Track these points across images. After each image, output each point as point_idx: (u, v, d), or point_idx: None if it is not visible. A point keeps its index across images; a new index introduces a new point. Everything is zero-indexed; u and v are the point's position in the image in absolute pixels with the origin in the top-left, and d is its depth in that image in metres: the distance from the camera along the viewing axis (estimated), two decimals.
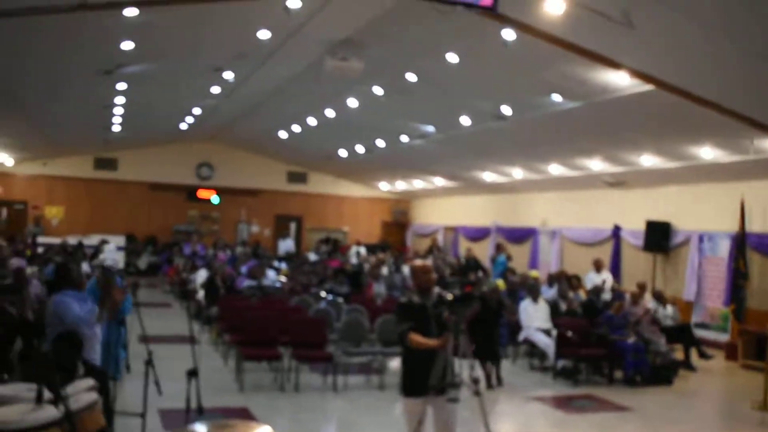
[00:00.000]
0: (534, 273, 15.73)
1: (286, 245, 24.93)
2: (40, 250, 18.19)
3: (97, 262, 10.97)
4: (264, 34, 11.15)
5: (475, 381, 5.40)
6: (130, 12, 8.84)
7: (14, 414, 3.62)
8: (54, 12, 7.66)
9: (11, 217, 25.11)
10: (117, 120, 18.86)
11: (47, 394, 3.77)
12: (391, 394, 9.76)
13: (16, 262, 10.83)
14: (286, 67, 13.73)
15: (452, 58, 11.12)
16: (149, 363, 6.16)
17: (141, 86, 14.39)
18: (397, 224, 29.18)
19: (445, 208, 26.25)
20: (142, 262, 24.08)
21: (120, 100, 15.73)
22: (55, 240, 20.14)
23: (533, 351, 11.94)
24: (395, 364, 11.37)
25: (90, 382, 4.52)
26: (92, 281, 7.39)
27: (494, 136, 15.37)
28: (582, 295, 13.94)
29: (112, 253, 16.68)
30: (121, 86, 14.10)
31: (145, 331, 6.62)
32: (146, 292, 17.27)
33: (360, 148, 21.04)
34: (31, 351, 6.48)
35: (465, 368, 5.65)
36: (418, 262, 6.10)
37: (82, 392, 4.05)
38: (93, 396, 4.02)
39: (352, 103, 15.47)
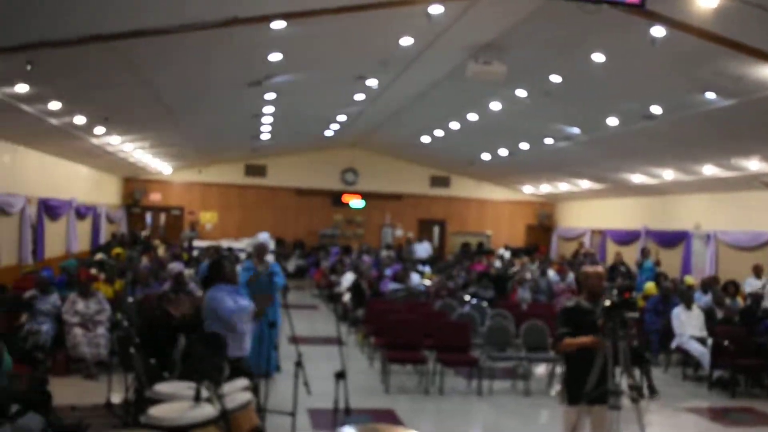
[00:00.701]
0: (689, 279, 15.09)
1: (423, 249, 25.06)
2: (195, 253, 19.12)
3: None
4: (406, 41, 11.26)
5: (633, 388, 5.24)
6: (278, 25, 9.15)
7: (174, 411, 3.83)
8: (207, 27, 8.03)
9: (169, 222, 26.61)
10: (266, 128, 19.57)
11: (205, 393, 3.97)
12: (536, 399, 9.63)
13: (175, 266, 11.43)
14: (428, 73, 13.82)
15: (598, 57, 10.84)
16: (299, 364, 6.33)
17: (288, 95, 14.86)
18: (541, 227, 28.71)
19: (591, 211, 25.57)
20: (290, 265, 24.82)
21: (268, 109, 16.30)
22: (205, 243, 21.13)
23: (687, 360, 11.43)
24: (541, 369, 11.22)
25: (245, 381, 4.72)
26: (243, 277, 7.69)
27: (643, 136, 14.85)
28: (740, 301, 13.23)
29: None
30: (270, 96, 14.61)
31: (294, 332, 6.85)
32: (294, 294, 17.78)
33: (503, 151, 20.86)
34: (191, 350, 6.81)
35: (623, 376, 5.48)
36: (590, 268, 5.99)
37: (237, 391, 4.23)
38: (248, 396, 4.19)
39: (495, 106, 15.36)
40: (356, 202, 27.58)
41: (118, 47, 8.75)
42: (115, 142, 16.88)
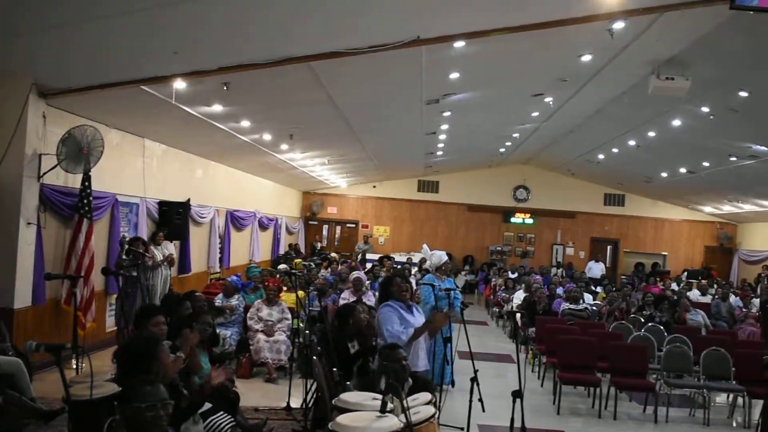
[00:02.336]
0: None
1: (598, 268, 24.48)
2: (368, 265, 19.64)
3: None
4: (586, 57, 11.13)
5: None
6: (459, 44, 9.31)
7: (362, 420, 4.01)
8: (392, 48, 8.30)
9: (344, 234, 27.49)
10: (440, 145, 19.84)
11: (390, 405, 4.14)
12: (716, 429, 9.19)
13: (355, 273, 11.85)
14: (607, 89, 13.55)
15: None
16: (475, 380, 6.40)
17: (463, 113, 15.02)
18: (721, 249, 27.26)
19: None
20: (460, 281, 24.91)
21: (444, 127, 16.53)
22: (377, 257, 21.61)
23: None
24: (721, 398, 10.69)
25: (428, 396, 4.86)
26: (425, 291, 7.83)
27: None
28: None
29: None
30: (446, 114, 14.82)
31: (469, 348, 6.93)
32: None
33: (682, 169, 20.04)
34: (367, 363, 7.04)
35: None
36: None
37: (421, 405, 4.37)
38: (432, 410, 4.32)
39: (676, 122, 14.83)
40: (525, 218, 27.38)
41: (307, 68, 9.22)
42: (298, 157, 17.68)
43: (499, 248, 27.08)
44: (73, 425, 3.99)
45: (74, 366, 8.56)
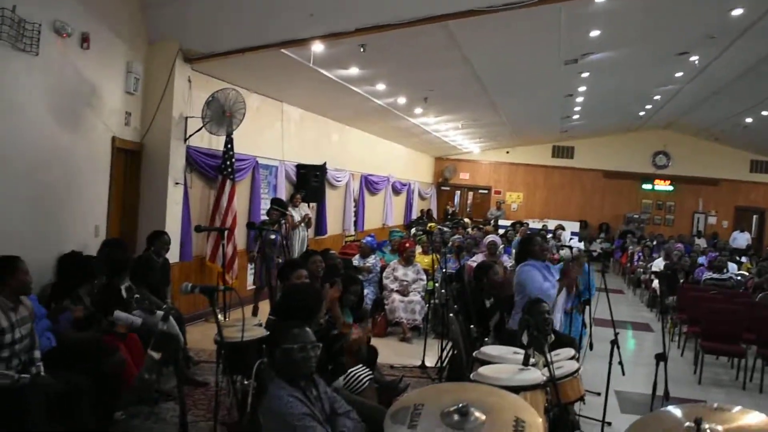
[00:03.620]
0: None
1: (744, 238, 23.31)
2: (500, 232, 19.48)
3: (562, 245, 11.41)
4: (737, 12, 10.51)
5: None
6: None
7: (504, 372, 4.00)
8: (531, 5, 8.09)
9: (476, 200, 27.35)
10: (576, 109, 19.33)
11: (532, 360, 4.10)
12: None
13: (490, 237, 11.78)
14: (759, 46, 12.76)
15: None
16: (615, 342, 6.24)
17: (602, 74, 14.55)
18: None
19: None
20: (594, 248, 24.35)
21: (581, 89, 16.08)
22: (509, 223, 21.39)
23: None
24: None
25: (572, 351, 4.79)
26: (560, 265, 7.70)
27: None
28: None
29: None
30: (584, 75, 14.40)
31: (605, 314, 6.77)
32: (598, 277, 17.48)
33: None
34: (504, 320, 7.01)
35: None
36: None
37: (565, 360, 4.31)
38: (575, 365, 4.26)
39: None
40: (665, 185, 26.35)
41: (443, 28, 9.15)
42: (431, 121, 17.67)
43: (636, 216, 26.21)
44: (225, 366, 4.17)
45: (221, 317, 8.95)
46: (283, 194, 12.60)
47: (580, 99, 17.67)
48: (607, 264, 9.05)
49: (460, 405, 2.88)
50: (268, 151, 12.29)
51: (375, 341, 8.33)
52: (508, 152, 26.71)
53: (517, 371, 4.00)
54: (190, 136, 9.42)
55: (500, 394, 3.24)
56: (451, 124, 18.95)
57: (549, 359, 3.65)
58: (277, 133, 12.63)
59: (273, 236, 10.21)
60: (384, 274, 10.72)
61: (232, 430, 4.66)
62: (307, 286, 5.90)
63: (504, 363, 4.32)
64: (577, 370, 4.23)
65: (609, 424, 6.34)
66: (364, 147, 17.94)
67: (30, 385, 4.89)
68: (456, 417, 2.87)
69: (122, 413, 6.16)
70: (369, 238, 11.76)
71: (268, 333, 4.19)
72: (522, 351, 4.39)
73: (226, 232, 9.66)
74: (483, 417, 2.87)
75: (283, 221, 10.57)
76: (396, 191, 20.98)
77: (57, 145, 7.04)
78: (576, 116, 20.59)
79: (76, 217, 7.50)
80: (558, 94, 16.48)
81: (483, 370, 4.16)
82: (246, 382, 3.82)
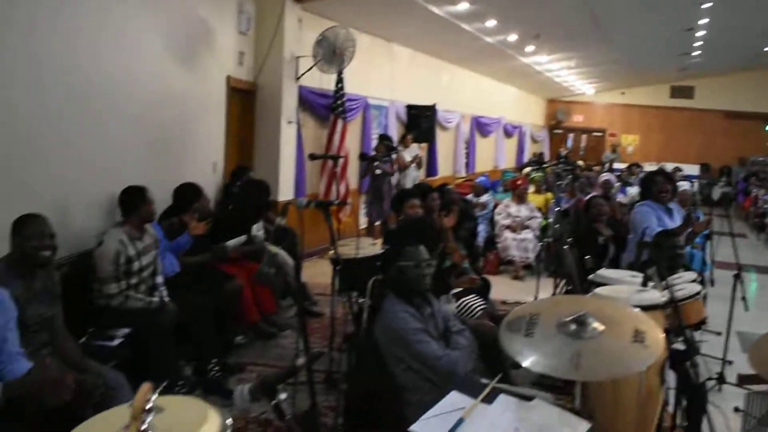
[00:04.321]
0: None
1: None
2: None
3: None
4: None
5: None
6: None
7: (621, 292, 3.91)
8: None
9: (590, 143, 26.65)
10: (697, 44, 18.41)
11: (652, 281, 3.99)
12: None
13: (605, 175, 11.52)
14: None
15: None
16: (737, 277, 6.01)
17: (727, 5, 13.77)
18: None
19: None
20: (715, 193, 23.41)
21: (703, 21, 15.28)
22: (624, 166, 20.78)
23: None
24: None
25: (693, 275, 4.64)
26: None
27: None
28: None
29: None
30: (706, 6, 13.67)
31: (734, 245, 6.52)
32: (719, 222, 16.85)
33: None
34: (618, 255, 6.86)
35: None
36: None
37: (687, 283, 4.18)
38: (697, 287, 4.12)
39: None
40: None
41: None
42: (543, 60, 17.24)
43: (761, 159, 24.94)
44: (340, 282, 4.24)
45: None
46: (393, 135, 12.61)
47: (700, 33, 16.80)
48: (729, 207, 8.66)
49: (578, 314, 2.83)
50: (378, 91, 12.30)
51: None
52: (623, 93, 25.85)
53: (635, 292, 3.91)
54: (302, 75, 9.51)
55: (618, 306, 3.16)
56: (563, 63, 18.44)
57: (669, 282, 3.54)
58: (386, 74, 12.61)
59: (378, 171, 10.26)
60: (496, 211, 10.65)
61: (347, 341, 4.75)
62: (422, 218, 5.92)
63: (623, 284, 4.22)
64: (698, 292, 4.09)
65: (730, 362, 6.14)
66: (475, 88, 17.73)
67: (158, 308, 5.12)
68: (573, 326, 2.81)
69: (243, 337, 6.39)
70: (482, 178, 11.70)
71: (383, 251, 4.23)
72: (640, 274, 4.28)
73: (340, 161, 9.74)
74: (601, 327, 2.81)
75: (392, 156, 10.58)
76: (507, 134, 20.70)
77: (173, 84, 7.23)
78: (696, 53, 19.62)
79: (194, 154, 7.73)
80: (677, 28, 15.72)
81: (601, 290, 4.08)
82: (361, 300, 3.87)
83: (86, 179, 5.73)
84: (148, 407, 1.53)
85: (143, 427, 1.53)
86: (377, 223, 10.72)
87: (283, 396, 1.82)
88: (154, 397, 1.55)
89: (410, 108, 13.26)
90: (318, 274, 8.44)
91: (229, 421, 1.82)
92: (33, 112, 5.06)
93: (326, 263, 8.79)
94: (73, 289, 4.61)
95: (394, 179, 11.14)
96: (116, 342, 4.63)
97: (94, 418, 2.00)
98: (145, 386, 1.54)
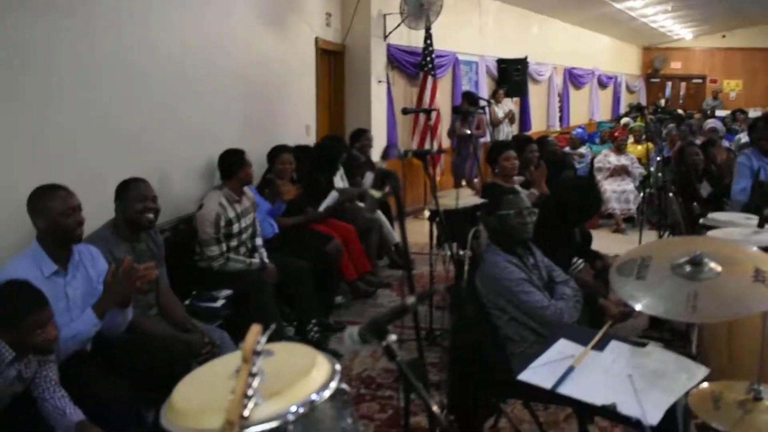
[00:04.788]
0: None
1: None
2: None
3: None
4: None
5: None
6: None
7: (738, 234, 3.74)
8: None
9: (689, 91, 25.62)
10: None
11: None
12: None
13: (710, 121, 11.12)
14: None
15: None
16: None
17: None
18: None
19: None
20: None
21: None
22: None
23: None
24: None
25: None
26: None
27: None
28: None
29: None
30: None
31: None
32: None
33: None
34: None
35: None
36: None
37: None
38: None
39: None
40: None
41: None
42: (637, 5, 16.58)
43: None
44: (440, 234, 4.19)
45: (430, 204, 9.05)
46: (484, 90, 12.42)
47: None
48: None
49: (693, 255, 2.69)
50: (467, 47, 12.09)
51: None
52: (724, 36, 24.61)
53: (751, 233, 3.72)
54: (390, 33, 9.44)
55: (735, 246, 2.99)
56: (659, 6, 17.65)
57: None
58: (475, 28, 12.38)
59: (467, 130, 10.13)
60: (595, 161, 10.36)
61: (449, 293, 4.71)
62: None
63: (737, 227, 4.03)
64: None
65: None
66: (567, 39, 17.23)
67: (259, 270, 5.19)
68: (688, 268, 2.67)
69: (342, 298, 6.43)
70: (579, 130, 11.42)
71: (483, 200, 4.14)
72: (755, 216, 4.08)
73: (433, 114, 9.62)
74: (719, 267, 2.66)
75: (477, 114, 10.43)
76: (602, 85, 20.11)
77: (265, 49, 7.24)
78: None
79: (287, 117, 7.75)
80: None
81: (712, 233, 3.90)
82: (462, 252, 3.80)
83: (184, 144, 5.82)
84: (258, 349, 1.51)
85: (254, 369, 1.51)
86: (463, 184, 10.58)
87: (393, 337, 1.77)
88: (264, 339, 1.53)
89: (501, 62, 13.00)
90: (412, 233, 8.38)
91: (338, 367, 1.79)
92: (131, 80, 5.14)
93: (420, 223, 8.78)
94: (176, 253, 4.71)
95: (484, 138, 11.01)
96: (219, 303, 4.71)
97: (203, 367, 2.01)
98: (255, 327, 1.52)
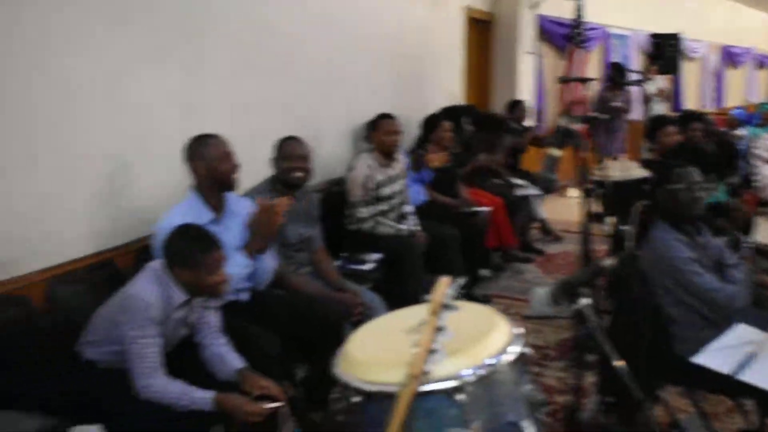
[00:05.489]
0: None
1: None
2: None
3: None
4: None
5: None
6: None
7: None
8: None
9: None
10: None
11: None
12: None
13: None
14: None
15: None
16: None
17: None
18: None
19: None
20: None
21: None
22: None
23: None
24: None
25: None
26: None
27: None
28: None
29: None
30: None
31: None
32: None
33: None
34: None
35: None
36: None
37: None
38: None
39: None
40: None
41: None
42: None
43: None
44: (603, 206, 4.01)
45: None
46: (635, 66, 11.91)
47: None
48: None
49: None
50: (618, 19, 11.61)
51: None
52: None
53: None
54: (538, 1, 9.18)
55: None
56: None
57: None
58: (627, 1, 11.87)
59: (617, 103, 9.76)
60: (754, 145, 9.74)
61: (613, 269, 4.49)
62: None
63: None
64: None
65: None
66: (725, 15, 16.31)
67: (409, 236, 5.15)
68: None
69: (489, 271, 6.30)
70: (738, 110, 10.79)
71: (650, 174, 3.92)
72: None
73: (591, 84, 9.38)
74: None
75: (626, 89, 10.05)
76: (760, 65, 18.96)
77: (414, 16, 7.17)
78: None
79: (434, 86, 7.65)
80: None
81: None
82: (623, 227, 3.60)
83: (335, 108, 5.85)
84: (446, 303, 1.43)
85: (440, 323, 1.43)
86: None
87: (585, 301, 1.65)
88: (451, 292, 1.46)
89: (654, 36, 12.39)
90: (559, 211, 8.13)
91: (520, 330, 1.70)
92: (291, 46, 5.21)
93: (567, 201, 8.53)
94: (328, 215, 4.72)
95: (637, 114, 10.57)
96: (368, 266, 4.69)
97: (375, 320, 1.97)
98: (445, 279, 1.45)
